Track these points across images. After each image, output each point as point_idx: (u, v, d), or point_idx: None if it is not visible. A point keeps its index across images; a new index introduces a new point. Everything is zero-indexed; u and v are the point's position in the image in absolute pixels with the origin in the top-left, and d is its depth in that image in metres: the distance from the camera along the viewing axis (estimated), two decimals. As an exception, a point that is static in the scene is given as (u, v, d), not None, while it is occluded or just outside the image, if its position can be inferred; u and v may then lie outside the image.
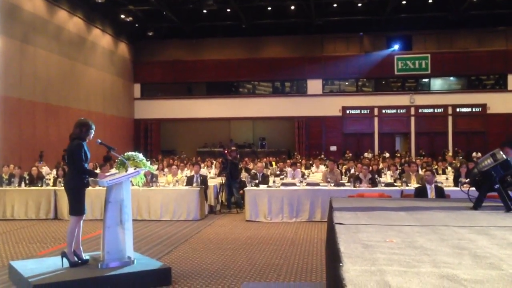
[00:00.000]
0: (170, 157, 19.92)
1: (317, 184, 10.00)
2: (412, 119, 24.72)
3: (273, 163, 17.39)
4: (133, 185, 5.45)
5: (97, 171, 7.06)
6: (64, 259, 5.02)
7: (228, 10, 22.46)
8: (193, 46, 25.89)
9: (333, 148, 24.77)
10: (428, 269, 1.74)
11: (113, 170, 5.72)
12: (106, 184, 5.04)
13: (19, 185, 10.74)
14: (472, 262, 1.86)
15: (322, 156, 20.61)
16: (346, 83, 26.16)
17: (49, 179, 11.13)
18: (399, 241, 2.26)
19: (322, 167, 14.53)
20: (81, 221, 5.15)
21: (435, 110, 24.63)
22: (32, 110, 16.88)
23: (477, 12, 22.30)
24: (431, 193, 7.67)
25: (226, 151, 11.88)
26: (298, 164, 14.29)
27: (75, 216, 5.08)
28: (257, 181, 10.34)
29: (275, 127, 26.03)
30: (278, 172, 12.80)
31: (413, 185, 9.44)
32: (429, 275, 1.65)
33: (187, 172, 12.62)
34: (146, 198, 9.69)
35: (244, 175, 12.36)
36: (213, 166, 15.94)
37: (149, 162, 5.67)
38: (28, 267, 5.03)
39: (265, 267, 5.77)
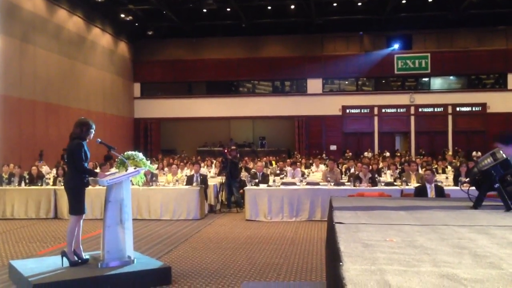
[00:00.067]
0: (170, 156, 19.91)
1: (317, 184, 10.00)
2: (412, 118, 24.71)
3: (273, 162, 17.40)
4: (133, 184, 5.45)
5: (97, 170, 7.07)
6: (64, 258, 5.02)
7: (228, 9, 22.45)
8: (193, 46, 25.88)
9: (333, 147, 24.76)
10: (428, 268, 1.74)
11: (113, 170, 5.72)
12: (106, 183, 5.04)
13: (19, 184, 10.74)
14: (472, 261, 1.85)
15: (324, 155, 20.62)
16: (346, 83, 26.16)
17: (49, 179, 11.13)
18: (399, 241, 2.26)
19: (322, 167, 14.53)
20: (81, 221, 5.15)
21: (435, 109, 24.62)
22: (32, 109, 16.88)
23: (477, 11, 22.29)
24: (431, 192, 7.67)
25: (226, 151, 11.88)
26: (298, 163, 14.28)
27: (75, 215, 5.08)
28: (257, 180, 10.35)
29: (275, 127, 26.04)
30: (278, 172, 12.80)
31: (413, 184, 9.44)
32: (429, 274, 1.65)
33: (187, 171, 12.62)
34: (146, 197, 9.69)
35: (244, 175, 12.36)
36: (213, 165, 15.94)
37: (149, 161, 5.67)
38: (28, 267, 5.02)
39: (265, 267, 5.77)
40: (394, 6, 21.71)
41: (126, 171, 5.23)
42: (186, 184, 10.26)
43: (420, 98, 24.61)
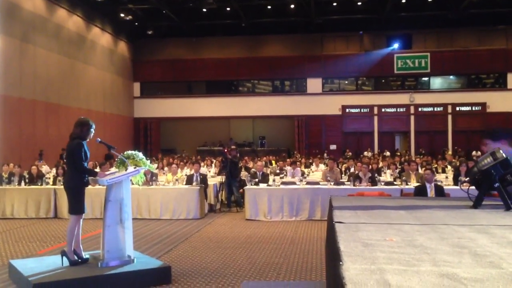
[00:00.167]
0: (170, 156, 19.91)
1: (317, 183, 10.00)
2: (412, 117, 24.72)
3: (273, 162, 17.38)
4: (133, 184, 5.45)
5: (97, 170, 7.07)
6: (64, 258, 5.02)
7: (228, 8, 22.45)
8: (192, 45, 25.87)
9: (333, 147, 24.76)
10: (428, 267, 1.74)
11: (113, 169, 5.72)
12: (106, 183, 5.04)
13: (19, 184, 10.73)
14: (472, 260, 1.85)
15: (325, 155, 20.61)
16: (346, 82, 26.16)
17: (49, 178, 11.13)
18: (399, 240, 2.25)
19: (322, 166, 14.54)
20: (81, 220, 5.16)
21: (435, 109, 24.63)
22: (32, 109, 16.88)
23: (477, 11, 22.30)
24: (430, 192, 7.67)
25: (226, 150, 11.88)
26: (298, 163, 14.28)
27: (74, 215, 5.08)
28: (257, 180, 10.35)
29: (275, 126, 26.03)
30: (278, 171, 12.80)
31: (413, 184, 9.44)
32: (429, 273, 1.65)
33: (187, 171, 12.62)
34: (146, 197, 9.69)
35: (244, 174, 12.36)
36: (213, 165, 15.94)
37: (149, 160, 5.68)
38: (28, 266, 5.03)
39: (265, 266, 5.78)
40: (394, 6, 21.71)
41: (126, 170, 5.23)
42: (186, 184, 10.26)
43: (420, 98, 24.61)
